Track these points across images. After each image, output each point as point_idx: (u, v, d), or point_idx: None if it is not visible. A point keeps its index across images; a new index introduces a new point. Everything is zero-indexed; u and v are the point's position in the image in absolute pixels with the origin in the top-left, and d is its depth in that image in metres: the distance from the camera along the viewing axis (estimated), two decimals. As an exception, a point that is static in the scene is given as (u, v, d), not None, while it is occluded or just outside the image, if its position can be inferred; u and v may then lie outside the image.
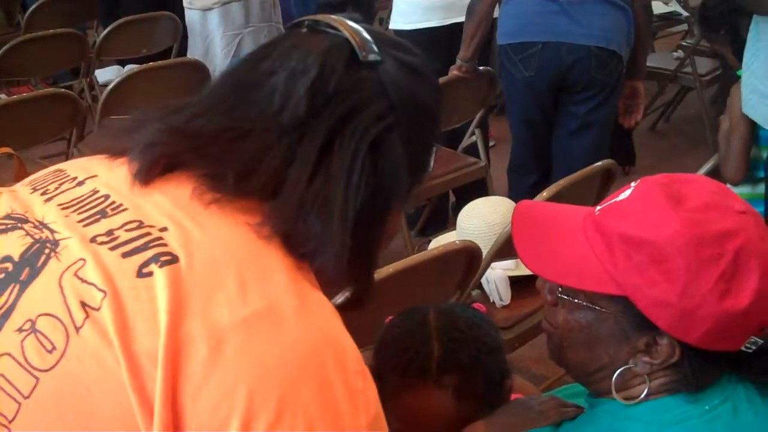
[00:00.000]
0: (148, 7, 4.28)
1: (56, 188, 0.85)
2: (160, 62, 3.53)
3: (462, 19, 2.94)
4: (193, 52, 3.97)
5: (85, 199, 0.82)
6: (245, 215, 0.78)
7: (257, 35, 3.99)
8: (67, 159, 3.24)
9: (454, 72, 2.95)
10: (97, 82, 4.16)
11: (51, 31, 3.87)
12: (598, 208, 1.00)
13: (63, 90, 3.29)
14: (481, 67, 3.02)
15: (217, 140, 0.81)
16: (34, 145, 3.24)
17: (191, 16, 3.95)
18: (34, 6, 4.42)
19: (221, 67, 3.62)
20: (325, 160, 0.80)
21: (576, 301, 0.98)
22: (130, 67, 3.70)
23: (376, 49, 0.84)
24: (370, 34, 0.85)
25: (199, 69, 3.47)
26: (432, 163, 0.92)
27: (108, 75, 4.30)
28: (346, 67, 0.82)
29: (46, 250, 0.78)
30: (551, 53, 2.70)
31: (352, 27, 0.85)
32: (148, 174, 0.81)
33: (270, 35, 4.03)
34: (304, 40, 0.86)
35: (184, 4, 3.95)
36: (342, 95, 0.81)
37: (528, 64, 2.74)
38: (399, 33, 3.21)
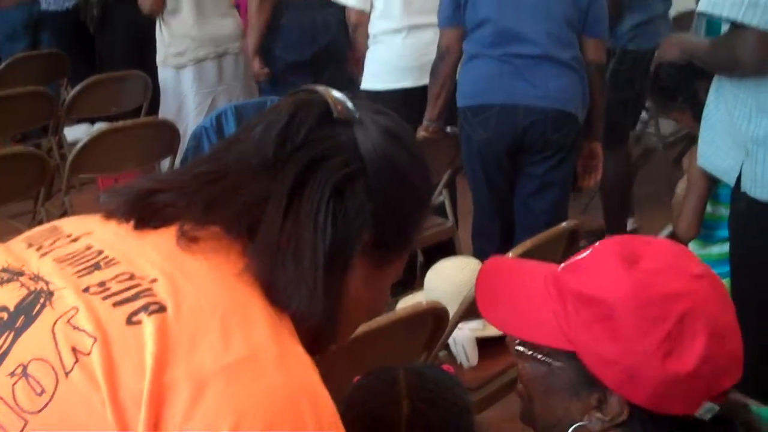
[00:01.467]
0: (127, 65, 4.30)
1: (51, 244, 0.89)
2: (129, 121, 3.53)
3: None
4: (166, 110, 3.97)
5: (80, 254, 0.86)
6: (229, 264, 0.83)
7: (230, 93, 4.00)
8: (34, 218, 3.24)
9: (421, 133, 2.98)
10: (66, 140, 4.15)
11: (20, 89, 3.86)
12: (561, 265, 1.02)
13: (31, 149, 3.29)
14: (448, 128, 3.05)
15: (196, 181, 0.88)
16: (0, 203, 3.22)
17: (165, 73, 3.95)
18: (4, 63, 4.41)
19: (193, 126, 3.62)
20: (294, 203, 0.85)
21: (531, 354, 1.00)
22: (100, 126, 3.70)
23: (353, 109, 0.90)
24: (351, 100, 0.91)
25: (169, 128, 3.47)
26: (415, 236, 0.96)
27: (77, 133, 4.29)
28: (319, 121, 0.88)
29: (41, 300, 0.81)
30: (508, 115, 2.73)
31: (332, 92, 0.91)
32: (137, 224, 0.86)
33: (243, 94, 4.05)
34: (286, 99, 0.93)
35: (158, 61, 3.96)
36: (312, 144, 0.87)
37: (486, 126, 2.77)
38: (371, 93, 3.21)
